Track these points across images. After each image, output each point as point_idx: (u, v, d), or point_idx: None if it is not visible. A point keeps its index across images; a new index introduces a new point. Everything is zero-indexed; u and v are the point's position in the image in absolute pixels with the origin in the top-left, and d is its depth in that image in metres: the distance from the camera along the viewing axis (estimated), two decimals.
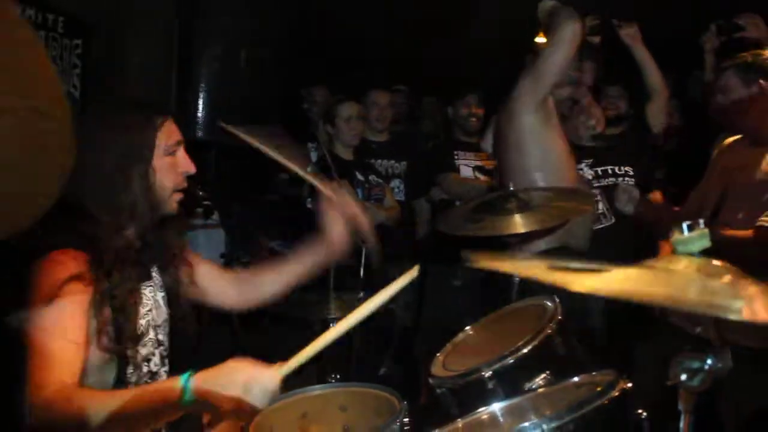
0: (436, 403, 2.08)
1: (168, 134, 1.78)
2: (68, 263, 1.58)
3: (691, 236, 1.10)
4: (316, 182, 2.08)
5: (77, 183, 1.63)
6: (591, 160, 3.59)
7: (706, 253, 1.11)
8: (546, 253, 2.82)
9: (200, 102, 3.90)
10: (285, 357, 1.57)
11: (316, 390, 2.05)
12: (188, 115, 3.86)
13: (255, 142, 2.12)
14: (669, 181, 4.08)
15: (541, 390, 1.92)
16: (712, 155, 3.07)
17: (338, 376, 2.64)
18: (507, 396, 1.92)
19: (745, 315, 0.84)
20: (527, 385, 1.94)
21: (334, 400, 2.04)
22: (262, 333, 3.43)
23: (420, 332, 4.27)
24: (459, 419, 1.88)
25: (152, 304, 1.81)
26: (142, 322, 1.75)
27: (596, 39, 3.54)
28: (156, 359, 1.82)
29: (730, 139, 2.94)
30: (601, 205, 3.53)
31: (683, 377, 1.11)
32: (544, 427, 1.49)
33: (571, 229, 2.87)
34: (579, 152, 3.39)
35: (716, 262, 1.09)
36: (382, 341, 3.99)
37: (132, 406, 1.43)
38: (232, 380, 1.41)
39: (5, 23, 0.83)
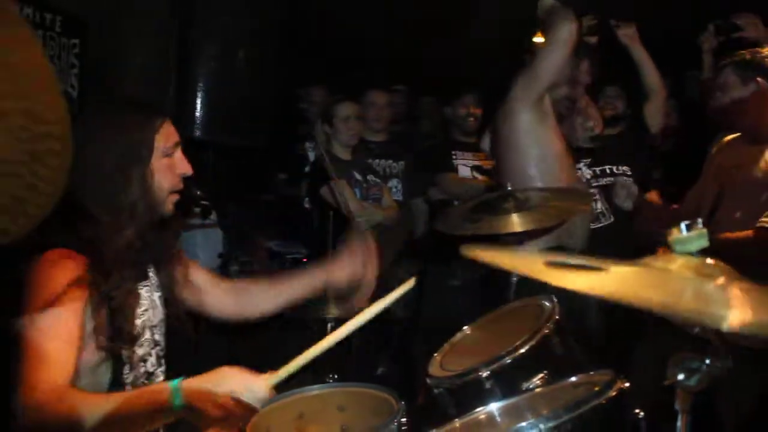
0: (433, 403, 2.08)
1: (166, 136, 1.78)
2: (64, 264, 1.58)
3: (690, 236, 1.10)
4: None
5: (76, 183, 1.64)
6: (589, 160, 3.60)
7: (704, 252, 1.11)
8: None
9: (198, 101, 3.90)
10: (282, 357, 1.58)
11: (314, 390, 2.05)
12: (186, 115, 3.86)
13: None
14: (666, 181, 4.08)
15: (538, 390, 1.91)
16: (709, 154, 3.07)
17: (336, 376, 2.64)
18: (504, 396, 1.92)
19: (735, 325, 0.83)
20: (525, 385, 1.94)
21: (331, 400, 2.04)
22: (260, 333, 3.43)
23: (418, 332, 4.27)
24: (456, 419, 1.88)
25: (149, 304, 1.82)
26: (138, 322, 1.75)
27: (594, 39, 3.53)
28: (152, 360, 1.82)
29: (728, 137, 2.94)
30: (599, 205, 3.54)
31: (680, 377, 1.11)
32: (542, 427, 1.49)
33: (568, 229, 2.87)
34: (577, 153, 3.40)
35: (712, 262, 1.09)
36: (380, 341, 3.99)
37: (123, 409, 1.43)
38: (222, 387, 1.42)
39: (3, 23, 0.83)
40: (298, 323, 3.02)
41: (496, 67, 3.19)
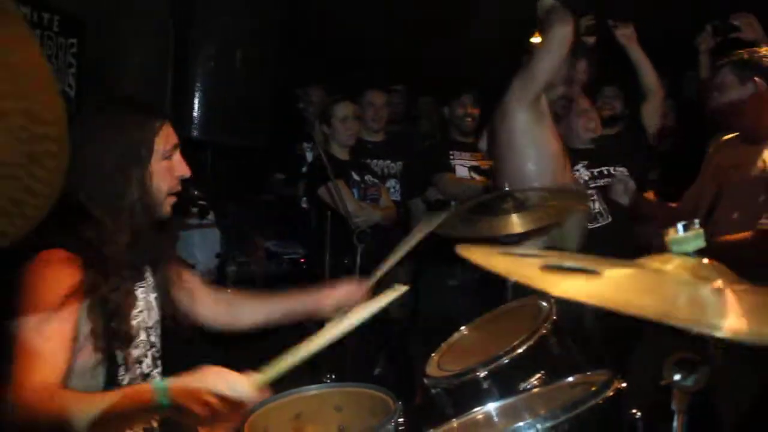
0: (431, 403, 2.08)
1: (166, 138, 1.78)
2: (59, 265, 1.58)
3: (686, 236, 1.10)
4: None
5: (75, 183, 1.64)
6: (586, 162, 3.60)
7: (701, 253, 1.12)
8: None
9: (196, 101, 3.89)
10: (278, 356, 1.58)
11: (311, 390, 2.05)
12: (184, 115, 3.86)
13: None
14: (663, 181, 4.09)
15: (535, 390, 1.92)
16: (707, 154, 3.08)
17: (333, 376, 2.63)
18: (502, 396, 1.92)
19: (730, 333, 0.84)
20: (522, 385, 1.94)
21: (329, 400, 2.04)
22: (257, 334, 3.42)
23: (415, 332, 4.27)
24: (454, 419, 1.88)
25: (144, 305, 1.82)
26: (134, 323, 1.75)
27: (592, 39, 3.54)
28: (148, 361, 1.82)
29: (725, 137, 2.94)
30: (597, 205, 3.55)
31: (677, 377, 1.11)
32: (539, 426, 1.49)
33: (563, 231, 2.88)
34: (575, 154, 3.41)
35: (708, 263, 1.10)
36: (378, 341, 3.99)
37: (111, 409, 1.42)
38: (205, 385, 1.42)
39: (3, 23, 0.83)
40: (296, 325, 3.02)
41: (495, 67, 3.20)
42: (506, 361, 1.96)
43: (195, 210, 3.69)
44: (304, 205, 4.27)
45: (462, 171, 4.36)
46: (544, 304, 2.15)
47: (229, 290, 2.35)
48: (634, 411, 1.64)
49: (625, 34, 3.72)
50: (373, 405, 1.94)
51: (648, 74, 3.75)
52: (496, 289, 2.63)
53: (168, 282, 1.90)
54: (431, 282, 4.25)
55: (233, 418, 1.52)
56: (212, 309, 2.08)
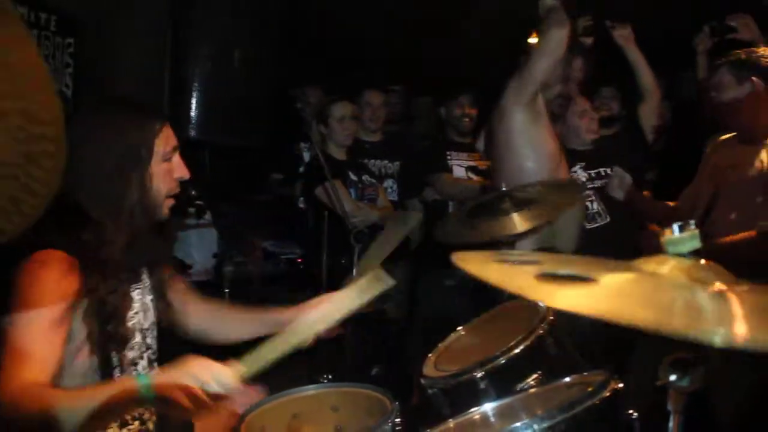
0: (427, 404, 2.08)
1: (166, 140, 1.78)
2: (53, 265, 1.57)
3: (682, 237, 1.11)
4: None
5: (74, 184, 1.64)
6: (584, 163, 3.61)
7: (698, 254, 1.12)
8: None
9: (193, 101, 3.89)
10: (275, 360, 1.57)
11: (308, 390, 2.05)
12: (181, 115, 3.86)
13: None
14: (661, 181, 4.09)
15: (532, 390, 1.92)
16: (704, 154, 3.08)
17: (330, 376, 2.63)
18: (499, 396, 1.92)
19: (727, 341, 0.84)
20: (519, 386, 1.94)
21: (326, 400, 2.04)
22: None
23: (412, 332, 4.27)
24: (451, 419, 1.88)
25: (140, 306, 1.81)
26: (129, 324, 1.75)
27: (589, 40, 3.54)
28: (144, 363, 1.82)
29: (723, 137, 2.95)
30: (595, 205, 3.56)
31: (672, 378, 1.11)
32: (536, 427, 1.49)
33: (558, 230, 2.88)
34: (572, 155, 3.42)
35: (705, 264, 1.10)
36: (375, 341, 3.99)
37: (97, 406, 1.42)
38: (188, 375, 1.41)
39: (1, 23, 0.83)
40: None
41: (495, 68, 3.20)
42: (503, 361, 1.96)
43: (192, 210, 3.69)
44: (301, 205, 4.27)
45: (459, 171, 4.36)
46: (541, 304, 2.15)
47: (220, 299, 2.33)
48: (630, 411, 1.64)
49: (623, 35, 3.72)
50: (370, 405, 1.94)
51: (645, 75, 3.76)
52: (493, 290, 2.63)
53: (164, 284, 1.90)
54: (428, 282, 4.26)
55: (218, 409, 1.51)
56: (201, 320, 2.07)
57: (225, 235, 4.17)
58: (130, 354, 1.76)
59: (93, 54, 3.66)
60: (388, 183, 4.41)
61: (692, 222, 1.12)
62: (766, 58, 2.70)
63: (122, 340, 1.70)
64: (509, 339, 2.02)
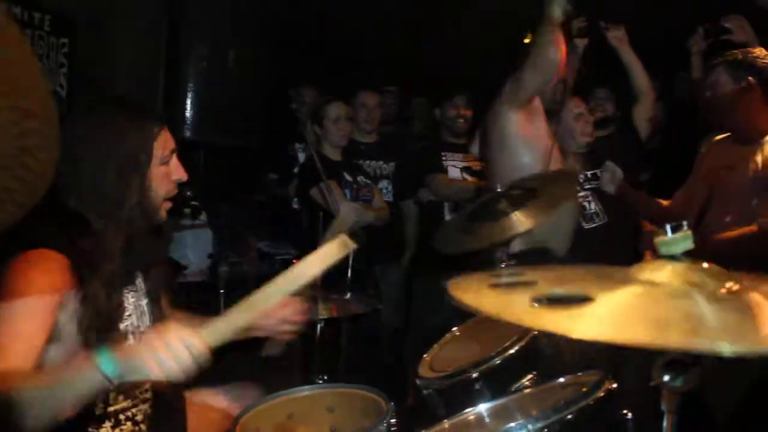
0: (423, 404, 2.09)
1: (164, 143, 1.78)
2: (42, 265, 1.56)
3: (675, 238, 1.11)
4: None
5: (73, 185, 1.64)
6: (580, 164, 3.62)
7: (696, 255, 1.12)
8: (524, 255, 2.81)
9: (188, 102, 3.89)
10: (273, 360, 1.57)
11: (303, 391, 2.05)
12: (176, 115, 3.85)
13: None
14: (655, 182, 4.10)
15: (527, 391, 1.93)
16: (699, 154, 3.09)
17: (325, 377, 2.64)
18: (493, 397, 1.92)
19: (737, 350, 0.83)
20: (514, 386, 1.95)
21: (321, 401, 2.04)
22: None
23: (407, 333, 4.27)
24: (446, 420, 1.88)
25: (133, 309, 1.80)
26: (121, 326, 1.74)
27: (583, 41, 3.55)
28: None
29: (717, 137, 2.95)
30: (593, 206, 3.58)
31: (666, 378, 1.11)
32: (530, 427, 1.50)
33: (551, 230, 2.88)
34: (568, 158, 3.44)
35: (701, 266, 1.10)
36: (370, 341, 3.99)
37: (52, 382, 1.39)
38: (153, 338, 1.39)
39: None
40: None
41: (495, 68, 3.21)
42: (498, 362, 1.97)
43: (187, 211, 3.68)
44: (296, 206, 4.26)
45: (454, 172, 4.36)
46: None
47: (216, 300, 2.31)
48: (624, 411, 1.64)
49: (617, 36, 3.73)
50: (365, 406, 1.94)
51: (639, 76, 3.77)
52: None
53: (158, 288, 1.90)
54: (423, 282, 4.26)
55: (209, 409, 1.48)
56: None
57: (220, 236, 4.17)
58: None
59: (87, 54, 3.66)
60: (383, 184, 4.41)
61: (685, 223, 1.12)
62: (762, 58, 2.70)
63: (114, 342, 1.68)
64: (504, 340, 2.02)
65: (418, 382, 2.11)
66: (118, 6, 3.86)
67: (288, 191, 4.42)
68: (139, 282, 1.86)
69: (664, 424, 1.17)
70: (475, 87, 4.51)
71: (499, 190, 2.57)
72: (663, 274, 1.09)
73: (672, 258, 1.10)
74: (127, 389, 1.77)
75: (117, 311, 1.71)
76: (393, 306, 4.21)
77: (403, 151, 4.68)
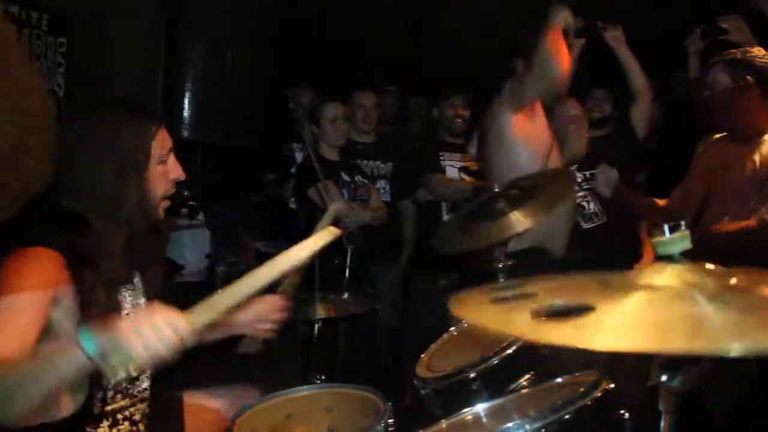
0: (420, 404, 2.09)
1: (162, 143, 1.78)
2: (37, 264, 1.55)
3: (672, 238, 1.11)
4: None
5: (72, 185, 1.64)
6: (577, 165, 3.62)
7: (694, 255, 1.12)
8: (521, 254, 2.81)
9: (186, 102, 3.89)
10: (273, 355, 1.56)
11: (301, 391, 2.06)
12: (174, 115, 3.85)
13: None
14: (652, 182, 4.10)
15: (524, 391, 1.93)
16: (696, 153, 3.09)
17: (323, 377, 2.64)
18: (491, 397, 1.93)
19: (745, 349, 0.83)
20: (511, 386, 1.95)
21: (319, 401, 2.04)
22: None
23: (405, 333, 4.27)
24: (443, 420, 1.89)
25: (130, 308, 1.81)
26: None
27: (581, 41, 3.55)
28: None
29: (715, 137, 2.95)
30: (592, 205, 3.58)
31: (663, 378, 1.11)
32: (527, 427, 1.50)
33: (548, 230, 2.88)
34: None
35: (700, 267, 1.10)
36: (368, 342, 3.99)
37: (32, 365, 1.38)
38: (138, 318, 1.38)
39: None
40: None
41: (494, 68, 3.22)
42: (495, 362, 1.97)
43: (185, 211, 3.69)
44: (293, 206, 4.26)
45: (452, 172, 4.36)
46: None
47: None
48: (622, 411, 1.64)
49: (614, 36, 3.73)
50: (363, 406, 1.94)
51: (637, 76, 3.77)
52: None
53: (156, 287, 1.89)
54: (421, 282, 4.26)
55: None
56: None
57: (218, 236, 4.17)
58: None
59: (85, 53, 3.65)
60: (381, 184, 4.41)
61: (683, 223, 1.12)
62: (760, 58, 2.70)
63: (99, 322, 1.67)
64: (501, 340, 2.02)
65: (415, 382, 2.11)
66: (116, 5, 3.86)
67: (285, 191, 4.42)
68: (137, 281, 1.86)
69: (662, 424, 1.17)
70: (477, 87, 4.51)
71: (496, 189, 2.57)
72: (663, 277, 1.08)
73: (670, 258, 1.10)
74: (125, 388, 1.77)
75: (115, 310, 1.71)
76: (390, 306, 4.21)
77: (401, 151, 4.68)
